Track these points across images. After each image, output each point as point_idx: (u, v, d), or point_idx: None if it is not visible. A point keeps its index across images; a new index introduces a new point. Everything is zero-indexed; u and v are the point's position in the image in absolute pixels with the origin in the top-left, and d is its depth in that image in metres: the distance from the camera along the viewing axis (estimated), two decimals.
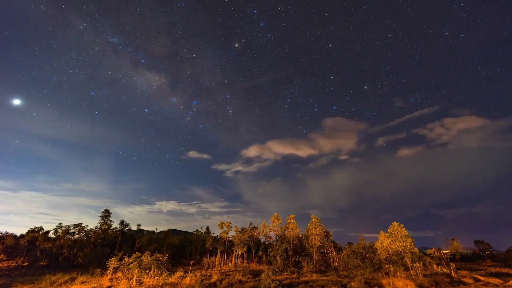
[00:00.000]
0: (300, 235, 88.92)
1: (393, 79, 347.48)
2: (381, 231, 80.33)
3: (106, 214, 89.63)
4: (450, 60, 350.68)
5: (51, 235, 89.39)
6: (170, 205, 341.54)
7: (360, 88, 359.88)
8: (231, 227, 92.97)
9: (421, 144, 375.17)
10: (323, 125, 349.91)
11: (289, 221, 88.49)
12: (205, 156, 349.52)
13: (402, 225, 77.18)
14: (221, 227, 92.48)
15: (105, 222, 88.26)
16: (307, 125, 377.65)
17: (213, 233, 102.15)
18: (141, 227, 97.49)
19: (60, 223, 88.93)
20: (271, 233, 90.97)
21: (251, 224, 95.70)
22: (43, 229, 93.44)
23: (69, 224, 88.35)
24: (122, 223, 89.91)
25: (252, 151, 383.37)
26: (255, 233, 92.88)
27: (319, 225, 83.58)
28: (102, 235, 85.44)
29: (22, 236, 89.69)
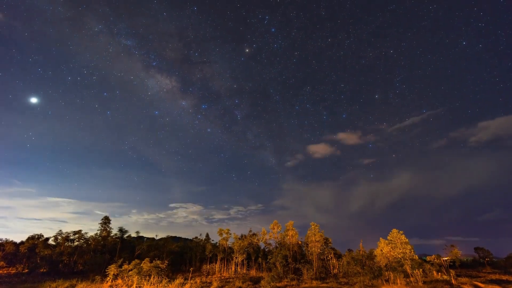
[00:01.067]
0: (300, 242, 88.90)
1: (406, 89, 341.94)
2: (381, 238, 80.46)
3: (106, 221, 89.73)
4: (466, 71, 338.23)
5: (51, 242, 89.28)
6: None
7: (370, 97, 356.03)
8: (231, 234, 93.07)
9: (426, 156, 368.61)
10: (337, 138, 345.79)
11: (289, 228, 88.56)
12: (213, 160, 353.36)
13: (401, 232, 77.43)
14: (221, 234, 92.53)
15: (105, 229, 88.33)
16: (315, 133, 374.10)
17: (213, 240, 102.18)
18: (141, 234, 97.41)
19: (60, 230, 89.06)
20: (271, 240, 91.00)
21: (250, 231, 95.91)
22: (43, 236, 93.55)
23: (68, 231, 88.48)
24: (121, 230, 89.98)
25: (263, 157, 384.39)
26: (255, 240, 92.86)
27: (318, 232, 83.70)
28: (101, 242, 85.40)
29: (22, 243, 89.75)
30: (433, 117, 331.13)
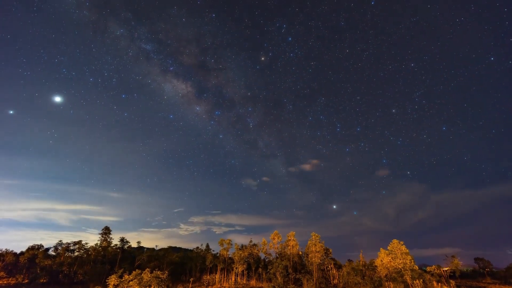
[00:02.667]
0: (300, 253, 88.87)
1: (425, 104, 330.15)
2: (381, 248, 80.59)
3: (106, 231, 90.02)
4: (493, 89, 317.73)
5: (51, 252, 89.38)
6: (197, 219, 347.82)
7: (387, 111, 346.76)
8: (231, 244, 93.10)
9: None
10: (349, 151, 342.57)
11: (289, 238, 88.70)
12: (223, 166, 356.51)
13: (402, 242, 77.65)
14: (221, 244, 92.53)
15: (105, 239, 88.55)
16: (327, 144, 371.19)
17: (213, 250, 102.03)
18: (141, 245, 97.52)
19: (60, 240, 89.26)
20: (271, 250, 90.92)
21: (251, 241, 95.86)
22: (43, 246, 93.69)
23: (69, 241, 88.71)
24: (122, 240, 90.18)
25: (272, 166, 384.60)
26: (255, 250, 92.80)
27: (319, 242, 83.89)
28: (102, 252, 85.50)
29: (22, 253, 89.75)
30: (453, 135, 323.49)
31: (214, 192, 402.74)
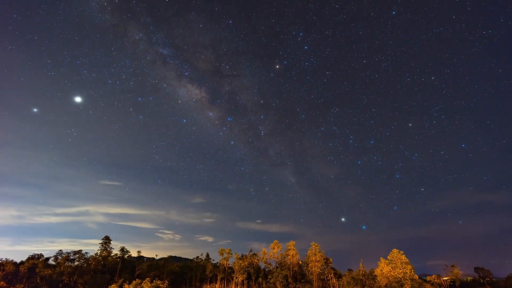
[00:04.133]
0: (300, 262, 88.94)
1: (444, 119, 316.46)
2: (381, 257, 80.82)
3: (106, 241, 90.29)
4: None
5: (51, 262, 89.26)
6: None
7: (403, 125, 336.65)
8: (231, 253, 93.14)
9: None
10: (361, 164, 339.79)
11: (289, 248, 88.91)
12: (233, 172, 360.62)
13: (402, 252, 77.94)
14: (222, 254, 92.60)
15: (105, 249, 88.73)
16: (338, 156, 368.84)
17: (213, 260, 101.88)
18: (141, 254, 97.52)
19: (60, 250, 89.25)
20: (271, 260, 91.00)
21: (251, 250, 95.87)
22: (43, 255, 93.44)
23: (69, 251, 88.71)
24: (122, 249, 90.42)
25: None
26: (255, 260, 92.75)
27: (319, 252, 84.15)
28: (102, 262, 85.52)
29: (22, 262, 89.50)
30: (473, 153, 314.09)
31: (223, 198, 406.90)
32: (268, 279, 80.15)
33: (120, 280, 60.96)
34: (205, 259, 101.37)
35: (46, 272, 78.22)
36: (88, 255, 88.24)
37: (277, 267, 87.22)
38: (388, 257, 78.43)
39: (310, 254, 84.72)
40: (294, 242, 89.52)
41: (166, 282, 58.95)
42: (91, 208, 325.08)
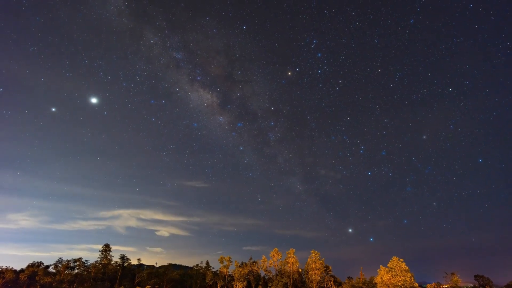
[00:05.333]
0: (300, 270, 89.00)
1: (461, 133, 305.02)
2: (381, 265, 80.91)
3: (106, 248, 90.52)
4: None
5: (51, 269, 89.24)
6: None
7: (417, 137, 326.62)
8: (231, 261, 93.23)
9: None
10: (371, 175, 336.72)
11: (289, 255, 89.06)
12: (241, 177, 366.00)
13: (402, 259, 78.10)
14: (222, 262, 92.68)
15: (105, 257, 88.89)
16: (348, 166, 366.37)
17: (213, 268, 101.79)
18: (141, 262, 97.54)
19: (60, 258, 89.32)
20: (271, 268, 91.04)
21: (251, 258, 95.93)
22: (43, 263, 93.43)
23: (69, 259, 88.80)
24: (123, 257, 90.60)
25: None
26: (255, 268, 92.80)
27: (319, 259, 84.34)
28: (102, 270, 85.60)
29: (22, 270, 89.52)
30: (490, 169, 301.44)
31: (230, 203, 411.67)
32: (268, 287, 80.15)
33: None
34: (205, 267, 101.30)
35: (46, 280, 78.38)
36: (88, 263, 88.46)
37: (277, 274, 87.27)
38: (388, 265, 78.55)
39: (310, 262, 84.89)
40: (293, 250, 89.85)
41: None
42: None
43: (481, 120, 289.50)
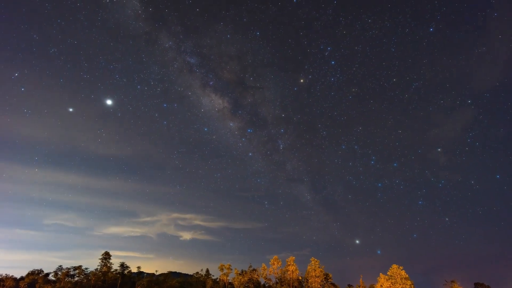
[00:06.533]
0: (300, 278, 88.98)
1: (479, 147, 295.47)
2: (381, 273, 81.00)
3: (106, 256, 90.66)
4: None
5: (51, 277, 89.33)
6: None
7: (431, 149, 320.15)
8: (231, 269, 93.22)
9: None
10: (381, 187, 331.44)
11: (289, 263, 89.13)
12: (249, 184, 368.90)
13: (401, 267, 78.26)
14: (222, 269, 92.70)
15: (105, 265, 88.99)
16: (358, 177, 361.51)
17: (213, 275, 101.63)
18: (141, 269, 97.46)
19: (60, 266, 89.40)
20: (271, 276, 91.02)
21: (250, 266, 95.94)
22: (43, 271, 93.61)
23: (69, 266, 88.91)
24: (122, 265, 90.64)
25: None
26: (255, 276, 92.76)
27: (318, 267, 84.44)
28: (102, 277, 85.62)
29: (22, 278, 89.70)
30: (509, 185, 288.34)
31: (237, 209, 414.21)
32: None
33: None
34: (205, 275, 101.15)
35: None
36: (88, 271, 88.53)
37: (277, 282, 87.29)
38: (388, 273, 78.71)
39: (310, 270, 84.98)
40: (293, 257, 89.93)
41: None
42: None
43: (500, 135, 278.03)
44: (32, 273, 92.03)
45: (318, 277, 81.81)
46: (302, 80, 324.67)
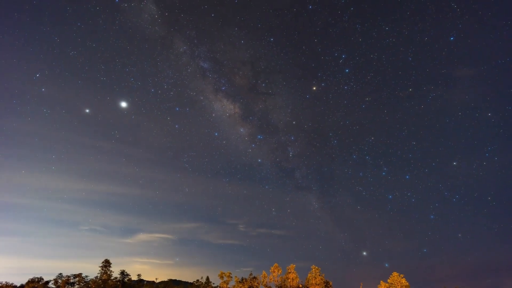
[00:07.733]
0: (300, 286, 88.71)
1: (497, 161, 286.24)
2: (381, 281, 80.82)
3: (106, 264, 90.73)
4: None
5: (51, 285, 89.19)
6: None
7: (447, 163, 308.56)
8: (232, 277, 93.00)
9: None
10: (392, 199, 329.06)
11: (289, 271, 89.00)
12: (257, 190, 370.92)
13: (402, 275, 78.10)
14: (222, 277, 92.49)
15: (105, 272, 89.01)
16: (368, 188, 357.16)
17: (213, 283, 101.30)
18: (141, 277, 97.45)
19: (60, 273, 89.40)
20: (271, 283, 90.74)
21: (251, 274, 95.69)
22: (43, 279, 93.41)
23: (69, 274, 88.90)
24: (123, 273, 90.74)
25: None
26: (255, 283, 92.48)
27: (319, 275, 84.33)
28: (102, 285, 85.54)
29: (22, 286, 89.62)
30: None
31: (244, 214, 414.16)
32: None
33: None
34: (205, 283, 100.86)
35: None
36: (88, 278, 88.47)
37: None
38: (388, 280, 78.55)
39: (310, 277, 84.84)
40: (294, 265, 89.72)
41: None
42: None
43: None
44: (32, 281, 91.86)
45: (318, 284, 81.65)
46: (314, 88, 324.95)
